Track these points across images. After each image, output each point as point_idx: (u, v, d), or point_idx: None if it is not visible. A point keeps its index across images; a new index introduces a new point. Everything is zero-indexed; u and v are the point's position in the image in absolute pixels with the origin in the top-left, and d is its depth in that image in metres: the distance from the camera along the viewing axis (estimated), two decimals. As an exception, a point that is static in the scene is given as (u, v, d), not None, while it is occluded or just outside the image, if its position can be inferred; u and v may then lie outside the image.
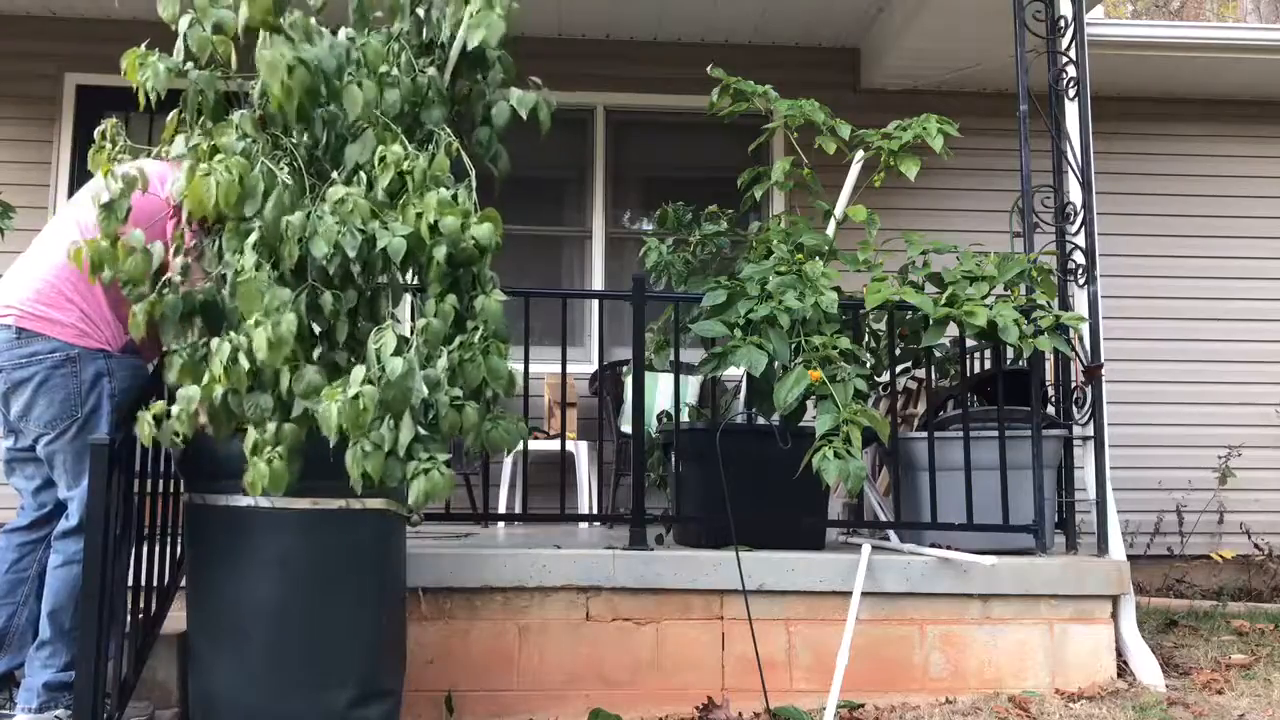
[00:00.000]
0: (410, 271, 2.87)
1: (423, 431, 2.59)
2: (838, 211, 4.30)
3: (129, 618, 2.79)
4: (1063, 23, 4.22)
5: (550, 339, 5.55)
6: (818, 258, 3.92)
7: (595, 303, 5.71)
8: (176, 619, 3.03)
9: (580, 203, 6.26)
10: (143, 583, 2.87)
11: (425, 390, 2.55)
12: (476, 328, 2.71)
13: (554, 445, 5.14)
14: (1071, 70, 4.18)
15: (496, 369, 2.69)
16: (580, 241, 6.25)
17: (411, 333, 2.64)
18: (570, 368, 4.25)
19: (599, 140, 6.21)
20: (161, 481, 3.06)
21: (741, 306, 3.64)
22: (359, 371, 2.51)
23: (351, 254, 2.59)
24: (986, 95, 6.24)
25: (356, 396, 2.47)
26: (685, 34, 6.13)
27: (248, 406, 2.60)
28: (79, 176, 5.55)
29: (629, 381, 5.10)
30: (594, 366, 5.61)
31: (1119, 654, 3.70)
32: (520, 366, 4.04)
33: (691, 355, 5.14)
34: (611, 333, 5.75)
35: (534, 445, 4.96)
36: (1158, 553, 5.91)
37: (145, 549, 2.90)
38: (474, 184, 2.88)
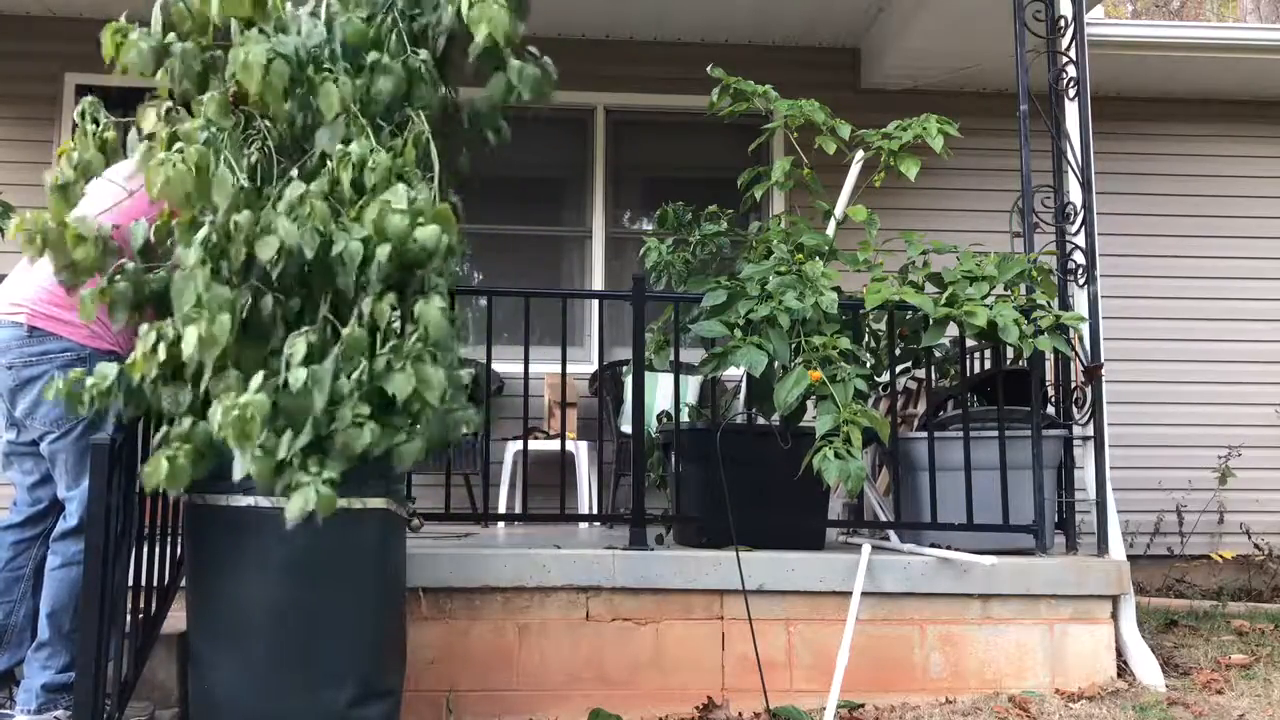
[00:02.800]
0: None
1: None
2: (838, 211, 4.30)
3: (129, 618, 2.79)
4: (1063, 23, 4.22)
5: (550, 339, 5.55)
6: (818, 258, 3.91)
7: (595, 303, 5.71)
8: (176, 619, 3.03)
9: (580, 203, 6.26)
10: (143, 583, 2.87)
11: (324, 404, 2.46)
12: (414, 332, 2.59)
13: (554, 445, 5.14)
14: (1071, 70, 4.18)
15: (427, 378, 2.54)
16: (580, 241, 6.25)
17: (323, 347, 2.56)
18: (570, 368, 4.25)
19: (599, 140, 6.21)
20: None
21: (741, 306, 3.64)
22: (256, 380, 2.46)
23: (309, 255, 2.52)
24: (986, 95, 6.25)
25: (245, 406, 2.41)
26: (685, 34, 6.13)
27: (165, 398, 2.55)
28: (79, 176, 5.55)
29: (629, 381, 5.10)
30: (594, 366, 5.62)
31: (1119, 654, 3.70)
32: (520, 366, 4.06)
33: (691, 355, 5.14)
34: (611, 333, 5.76)
35: (534, 445, 4.98)
36: (1158, 553, 5.91)
37: (145, 549, 2.90)
38: (438, 179, 2.77)
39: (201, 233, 2.53)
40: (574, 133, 6.28)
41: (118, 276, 2.64)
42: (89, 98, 2.92)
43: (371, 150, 2.65)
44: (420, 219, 2.59)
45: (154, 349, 2.50)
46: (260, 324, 2.61)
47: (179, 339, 2.47)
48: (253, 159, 2.68)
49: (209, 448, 2.52)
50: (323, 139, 2.71)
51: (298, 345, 2.49)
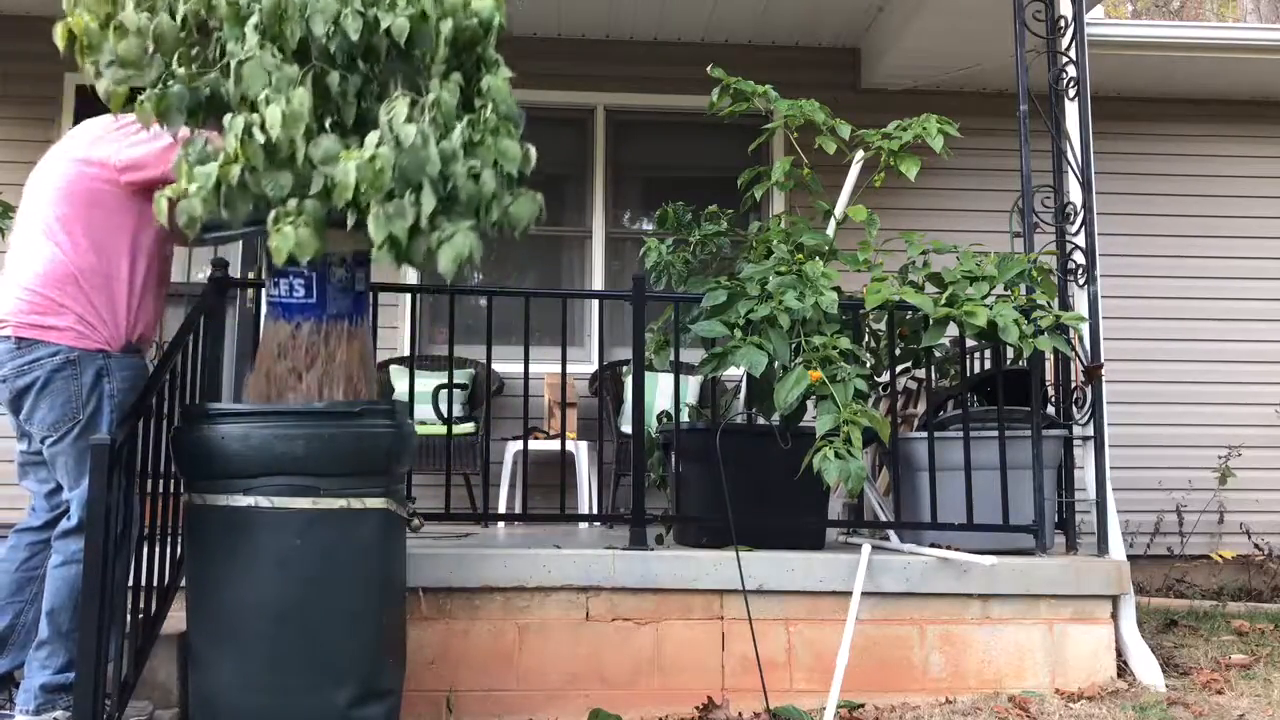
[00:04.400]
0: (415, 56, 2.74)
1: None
2: (838, 211, 4.30)
3: (129, 618, 2.79)
4: (1063, 23, 4.22)
5: (550, 339, 5.55)
6: (818, 258, 3.91)
7: (595, 303, 5.71)
8: (176, 619, 3.03)
9: (580, 203, 6.26)
10: (143, 583, 2.87)
11: (439, 162, 2.50)
12: (485, 105, 2.62)
13: (554, 445, 5.14)
14: (1071, 70, 4.18)
15: (507, 150, 2.63)
16: (580, 241, 6.25)
17: (420, 109, 2.55)
18: (570, 368, 4.25)
19: (599, 140, 6.22)
20: (161, 481, 3.06)
21: (741, 306, 3.63)
22: (373, 136, 2.47)
23: (354, 37, 2.50)
24: (986, 95, 6.25)
25: (373, 158, 2.42)
26: (685, 34, 6.13)
27: (266, 184, 2.52)
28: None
29: (629, 381, 5.10)
30: (594, 366, 5.61)
31: (1119, 654, 3.70)
32: (520, 367, 4.06)
33: (691, 355, 5.14)
34: (611, 333, 5.76)
35: (534, 445, 4.98)
36: (1158, 553, 5.91)
37: (145, 549, 2.90)
38: None
39: (253, 19, 2.48)
40: (574, 133, 6.28)
41: (169, 81, 2.57)
42: None
43: None
44: None
45: (247, 134, 2.45)
46: (330, 102, 2.58)
47: (263, 123, 2.44)
48: None
49: (321, 225, 2.51)
50: None
51: (398, 106, 2.50)
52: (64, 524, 2.75)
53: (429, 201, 2.49)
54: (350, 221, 2.49)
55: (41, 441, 2.76)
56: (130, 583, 2.80)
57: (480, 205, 2.62)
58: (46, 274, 2.73)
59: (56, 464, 2.76)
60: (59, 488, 2.82)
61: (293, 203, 2.51)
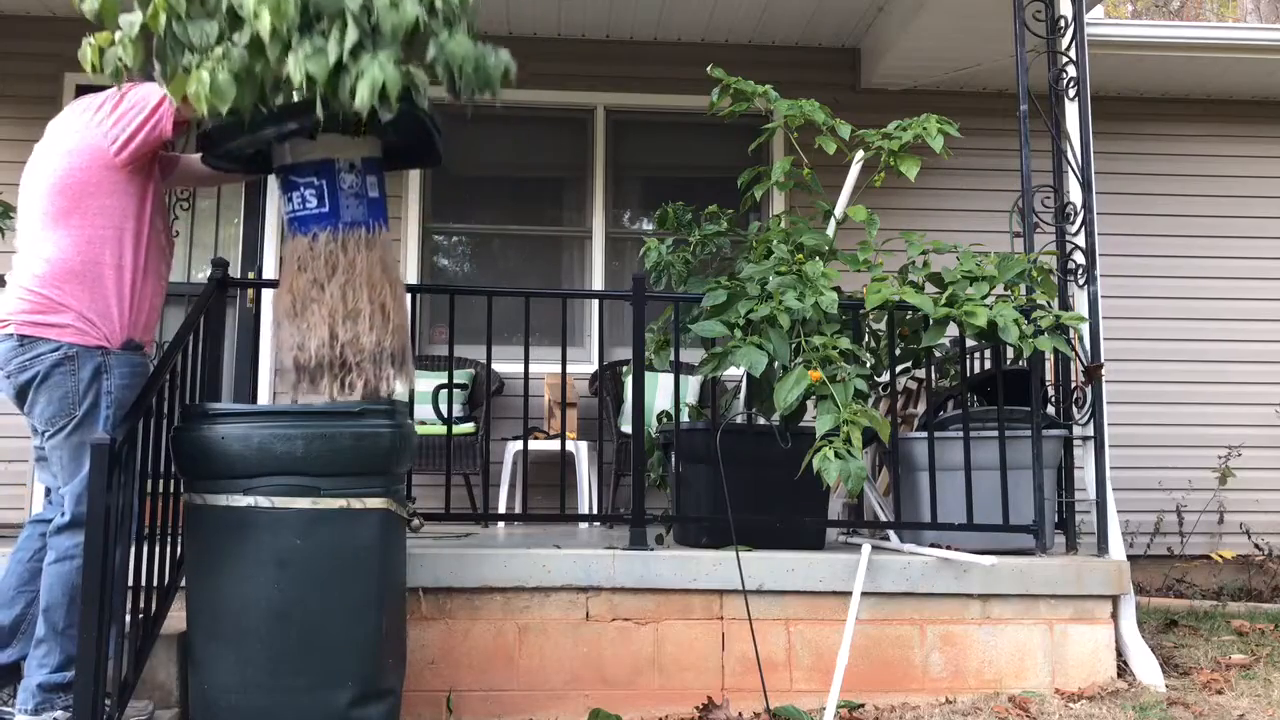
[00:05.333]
0: None
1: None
2: (838, 211, 4.30)
3: (129, 617, 2.78)
4: (1063, 23, 4.22)
5: (550, 339, 5.55)
6: (818, 258, 3.92)
7: (595, 303, 5.71)
8: (176, 619, 3.03)
9: (580, 203, 6.26)
10: (143, 583, 2.87)
11: None
12: None
13: (554, 445, 5.14)
14: (1071, 70, 4.18)
15: None
16: (580, 241, 6.25)
17: None
18: (570, 368, 4.25)
19: (599, 140, 6.21)
20: (161, 481, 3.06)
21: (741, 306, 3.64)
22: None
23: None
24: (986, 95, 6.25)
25: None
26: (685, 34, 6.13)
27: (193, 33, 2.47)
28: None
29: (629, 381, 5.10)
30: (594, 366, 5.62)
31: (1119, 654, 3.71)
32: (520, 367, 4.06)
33: (691, 355, 5.14)
34: (611, 333, 5.76)
35: (534, 445, 4.98)
36: (1158, 553, 5.91)
37: (145, 549, 2.90)
38: None
39: None
40: (574, 133, 6.28)
41: None
42: None
43: None
44: None
45: None
46: None
47: None
48: None
49: (248, 74, 2.48)
50: None
51: None
52: (57, 520, 2.75)
53: (351, 34, 2.43)
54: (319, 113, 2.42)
55: (41, 435, 2.77)
56: (130, 582, 2.79)
57: (408, 38, 2.53)
58: (45, 273, 2.74)
59: (53, 458, 2.76)
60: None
61: (218, 49, 2.46)
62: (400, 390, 2.96)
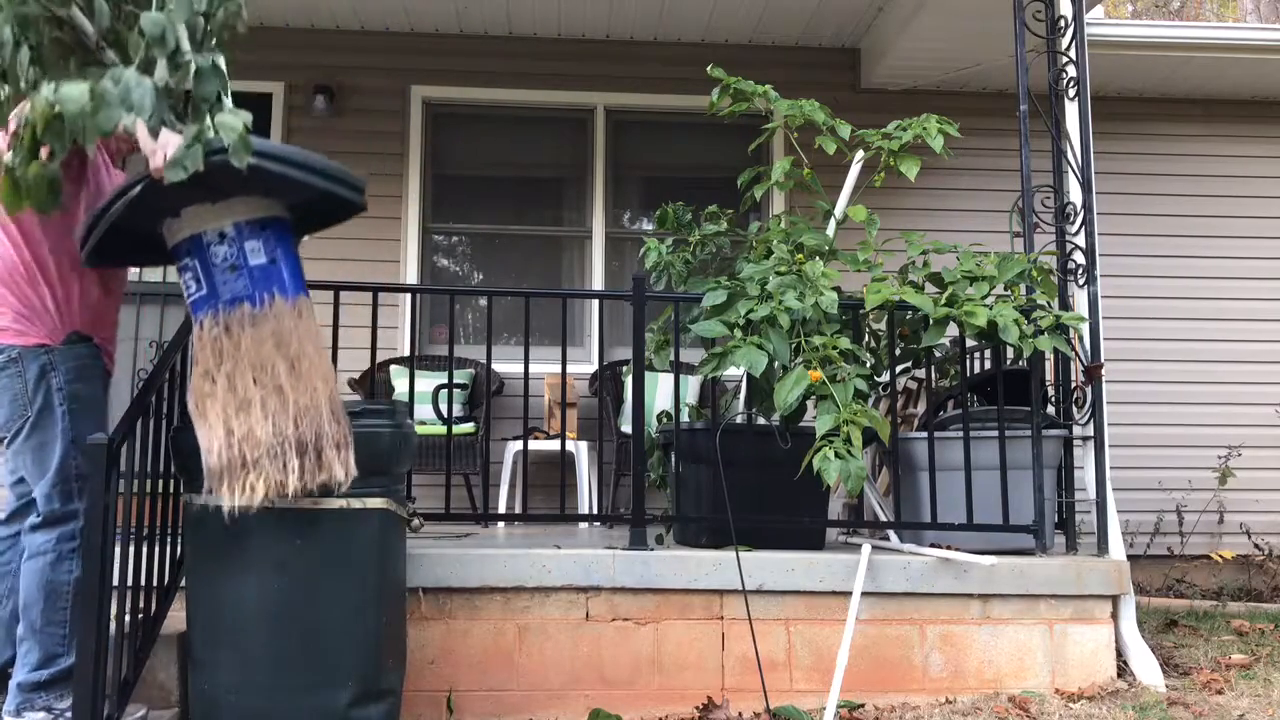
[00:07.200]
0: None
1: None
2: (838, 211, 4.30)
3: (128, 617, 2.78)
4: (1063, 23, 4.22)
5: (550, 339, 5.56)
6: (818, 258, 3.91)
7: (595, 303, 5.72)
8: (176, 619, 3.03)
9: (580, 203, 6.27)
10: (143, 583, 2.87)
11: None
12: None
13: (554, 445, 5.14)
14: (1071, 70, 4.18)
15: None
16: (580, 241, 6.25)
17: None
18: (570, 368, 4.25)
19: (599, 140, 6.22)
20: (161, 481, 3.06)
21: (741, 306, 3.63)
22: None
23: None
24: (986, 95, 6.25)
25: None
26: (685, 34, 6.14)
27: None
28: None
29: (629, 381, 5.10)
30: (594, 366, 5.62)
31: (1119, 654, 3.70)
32: (520, 367, 4.06)
33: (691, 355, 5.14)
34: (611, 333, 5.77)
35: (534, 445, 4.99)
36: (1158, 553, 5.91)
37: (145, 549, 2.90)
38: None
39: None
40: (574, 133, 6.28)
41: None
42: None
43: None
44: None
45: None
46: None
47: None
48: None
49: None
50: None
51: None
52: (31, 519, 2.73)
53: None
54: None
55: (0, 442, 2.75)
56: (130, 582, 2.79)
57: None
58: None
59: (18, 463, 2.74)
60: (22, 479, 2.81)
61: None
62: (340, 477, 2.64)
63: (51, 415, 2.70)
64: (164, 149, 2.42)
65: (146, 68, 2.39)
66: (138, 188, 2.51)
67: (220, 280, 2.62)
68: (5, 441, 2.73)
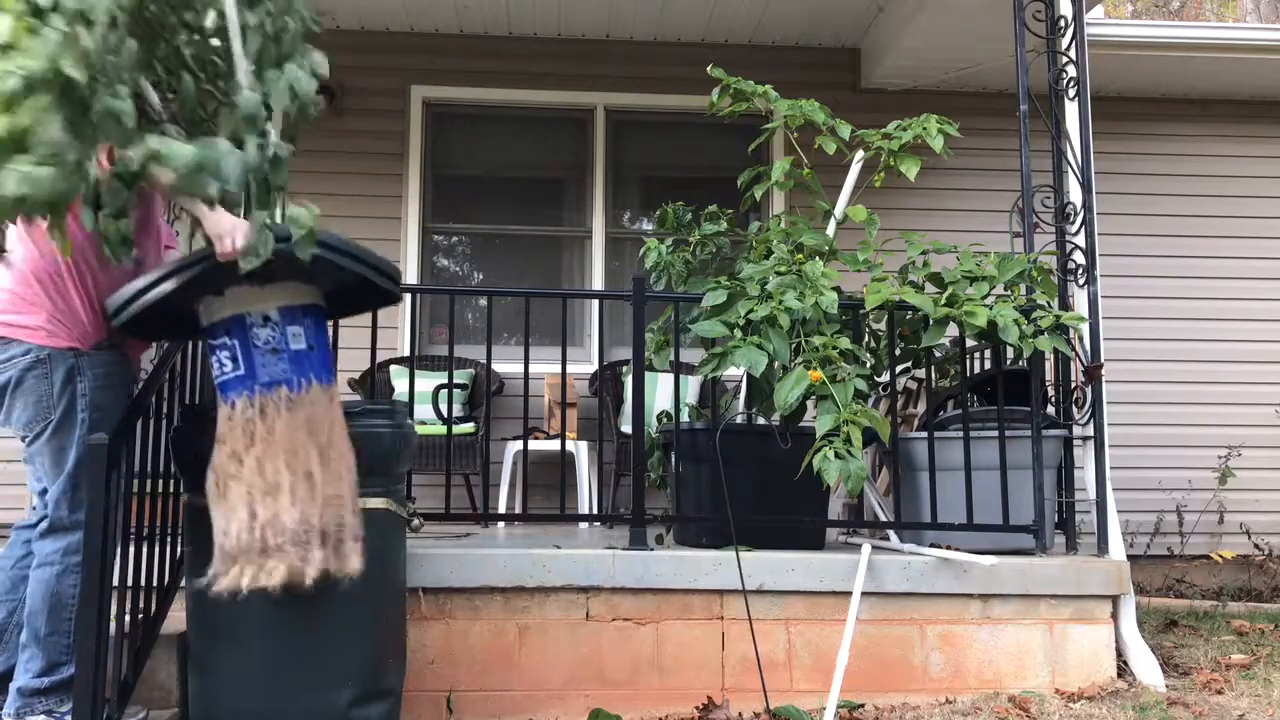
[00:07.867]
0: None
1: None
2: (838, 211, 4.30)
3: (128, 618, 2.78)
4: (1063, 23, 4.22)
5: (550, 339, 5.56)
6: (818, 258, 3.92)
7: (595, 303, 5.72)
8: (176, 619, 3.03)
9: (580, 203, 6.27)
10: (143, 583, 2.87)
11: None
12: None
13: (554, 445, 5.14)
14: (1071, 70, 4.18)
15: None
16: (580, 241, 6.25)
17: None
18: (570, 368, 4.25)
19: (599, 140, 6.22)
20: (161, 481, 3.06)
21: (741, 306, 3.63)
22: None
23: None
24: (986, 95, 6.25)
25: None
26: (685, 34, 6.14)
27: None
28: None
29: (629, 381, 5.10)
30: (594, 366, 5.62)
31: (1119, 654, 3.70)
32: (520, 367, 4.06)
33: (691, 355, 5.14)
34: (611, 333, 5.76)
35: (534, 445, 4.99)
36: (1158, 553, 5.91)
37: (145, 549, 2.90)
38: None
39: None
40: (574, 133, 6.28)
41: None
42: None
43: None
44: None
45: None
46: None
47: None
48: None
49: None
50: None
51: None
52: (40, 525, 2.72)
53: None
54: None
55: (22, 440, 2.75)
56: (130, 582, 2.79)
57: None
58: (19, 272, 2.69)
59: (35, 464, 2.74)
60: (46, 490, 2.81)
61: None
62: (356, 570, 2.64)
63: (73, 420, 2.70)
64: (233, 234, 2.46)
65: (236, 144, 2.43)
66: (197, 268, 2.54)
67: (260, 362, 2.62)
68: (27, 441, 2.73)
